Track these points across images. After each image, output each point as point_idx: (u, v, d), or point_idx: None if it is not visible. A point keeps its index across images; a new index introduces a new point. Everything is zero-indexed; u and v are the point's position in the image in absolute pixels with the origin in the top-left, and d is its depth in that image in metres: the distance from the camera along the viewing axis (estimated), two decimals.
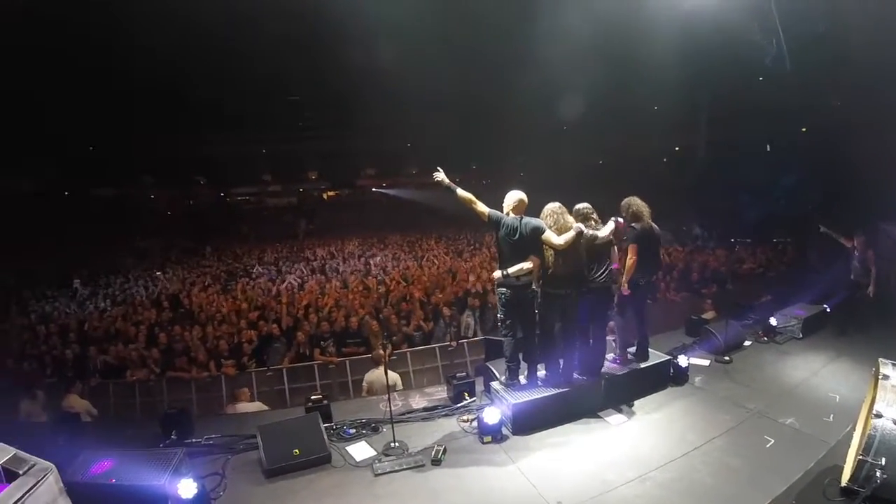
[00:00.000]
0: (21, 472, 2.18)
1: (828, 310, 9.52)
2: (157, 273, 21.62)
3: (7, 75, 19.47)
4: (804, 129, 25.90)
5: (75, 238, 27.94)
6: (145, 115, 28.32)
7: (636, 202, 7.00)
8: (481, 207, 6.22)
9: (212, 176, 39.38)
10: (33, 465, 2.22)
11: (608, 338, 7.25)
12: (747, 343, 8.70)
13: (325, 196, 43.47)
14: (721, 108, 26.30)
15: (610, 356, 7.18)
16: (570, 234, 6.07)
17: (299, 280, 17.97)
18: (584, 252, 6.33)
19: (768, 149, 28.38)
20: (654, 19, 16.55)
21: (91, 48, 19.81)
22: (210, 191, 40.72)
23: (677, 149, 33.30)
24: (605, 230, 6.46)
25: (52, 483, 2.22)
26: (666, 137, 32.05)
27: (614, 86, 24.26)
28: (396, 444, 5.97)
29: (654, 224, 7.07)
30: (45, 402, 8.55)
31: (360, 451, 5.99)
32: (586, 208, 6.73)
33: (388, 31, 18.07)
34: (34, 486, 2.12)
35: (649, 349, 7.37)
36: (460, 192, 6.23)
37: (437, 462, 5.63)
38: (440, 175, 6.32)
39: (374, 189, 42.84)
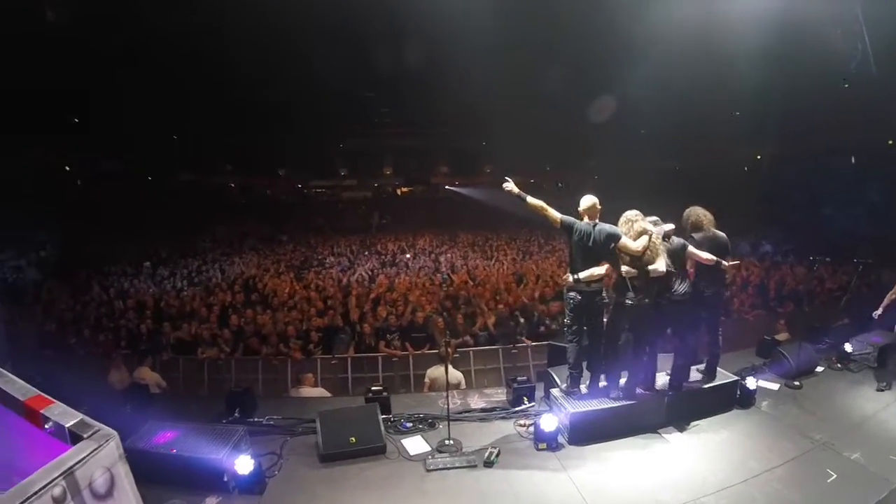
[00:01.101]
0: (85, 436, 2.27)
1: None
2: (233, 258, 22.26)
3: (98, 68, 20.47)
4: (890, 143, 24.54)
5: (156, 221, 29.14)
6: (229, 109, 29.25)
7: (695, 211, 6.73)
8: (553, 213, 6.13)
9: (290, 168, 40.37)
10: (97, 430, 2.32)
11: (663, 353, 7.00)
12: (819, 369, 8.18)
13: (398, 192, 43.89)
14: (804, 116, 25.06)
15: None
16: (644, 240, 5.92)
17: (370, 273, 18.19)
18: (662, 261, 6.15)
19: (852, 161, 27.07)
20: (736, 22, 16.09)
21: (178, 46, 20.56)
22: (288, 182, 41.76)
23: (758, 157, 32.06)
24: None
25: (112, 448, 2.31)
26: (746, 145, 30.84)
27: (695, 89, 23.64)
28: (451, 441, 5.94)
29: (718, 232, 6.79)
30: (128, 371, 8.93)
31: (415, 445, 5.99)
32: (654, 221, 6.53)
33: (466, 30, 18.05)
34: (96, 449, 2.22)
35: (718, 368, 7.10)
36: (530, 199, 6.14)
37: (489, 464, 5.56)
38: (510, 185, 6.22)
39: (447, 187, 42.95)
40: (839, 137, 25.63)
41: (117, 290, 15.84)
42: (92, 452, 2.21)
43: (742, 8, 15.22)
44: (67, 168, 30.16)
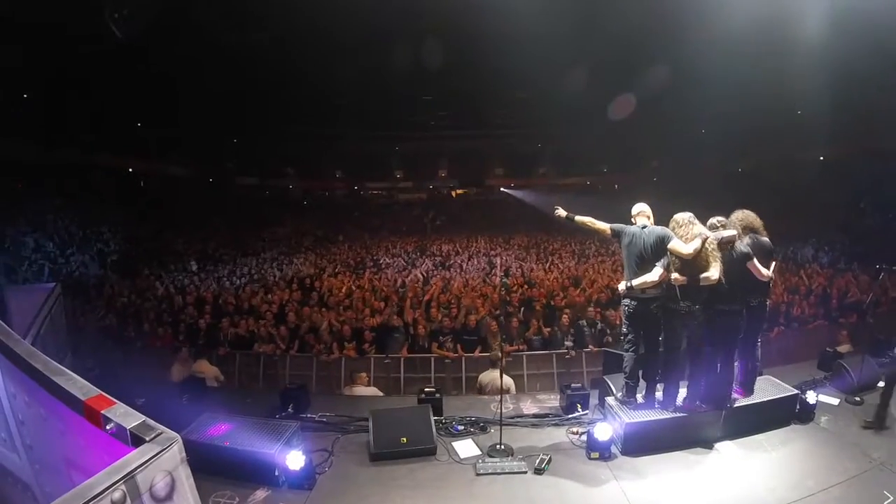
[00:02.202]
0: (147, 439, 2.29)
1: None
2: (291, 257, 22.65)
3: (157, 73, 21.19)
4: None
5: (218, 221, 29.97)
6: (285, 112, 29.89)
7: (746, 216, 6.50)
8: (601, 225, 6.19)
9: (347, 170, 41.03)
10: (160, 434, 2.33)
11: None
12: (881, 384, 7.90)
13: (453, 193, 44.04)
14: (869, 116, 24.12)
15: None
16: (697, 242, 5.70)
17: (424, 274, 18.25)
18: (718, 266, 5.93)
19: None
20: (799, 19, 15.63)
21: (238, 53, 21.05)
22: (345, 184, 42.45)
23: (822, 158, 30.94)
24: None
25: (175, 452, 2.32)
26: (810, 146, 29.78)
27: (756, 89, 23.05)
28: (502, 446, 5.88)
29: (763, 238, 6.47)
30: (191, 363, 9.18)
31: (466, 448, 5.95)
32: (719, 221, 6.33)
33: (522, 30, 17.95)
34: (159, 453, 2.23)
35: (775, 380, 6.83)
36: (578, 217, 6.25)
37: (539, 471, 5.47)
38: (560, 211, 6.38)
39: (502, 189, 42.86)
40: None
41: (178, 286, 16.29)
42: (154, 457, 2.22)
43: (806, 4, 14.79)
44: (131, 169, 31.26)
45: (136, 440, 2.33)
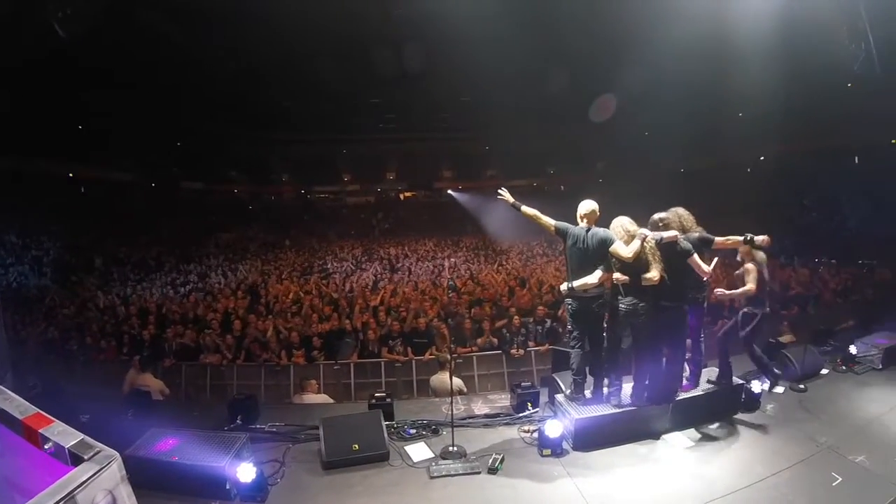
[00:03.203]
0: (86, 458, 2.24)
1: None
2: (237, 264, 22.31)
3: (100, 75, 20.60)
4: (894, 142, 24.49)
5: (161, 228, 29.27)
6: (232, 115, 29.46)
7: (679, 212, 6.57)
8: (547, 220, 6.24)
9: (294, 174, 40.56)
10: (99, 452, 2.28)
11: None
12: (824, 371, 8.18)
13: (401, 196, 44.03)
14: (808, 116, 25.10)
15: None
16: (636, 244, 5.86)
17: (373, 278, 18.17)
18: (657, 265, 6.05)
19: (856, 161, 27.04)
20: (739, 23, 16.10)
21: (181, 52, 20.65)
22: (292, 188, 41.98)
23: (762, 158, 32.00)
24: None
25: (115, 471, 2.27)
26: (750, 146, 30.76)
27: (698, 91, 23.66)
28: (455, 448, 5.90)
29: (705, 234, 6.64)
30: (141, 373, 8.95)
31: (419, 451, 5.96)
32: (661, 219, 6.42)
33: (469, 35, 18.06)
34: (98, 472, 2.18)
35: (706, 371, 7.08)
36: (525, 208, 6.28)
37: (493, 470, 5.52)
38: (505, 194, 6.39)
39: (450, 191, 43.03)
40: (843, 138, 25.63)
41: (121, 296, 15.85)
42: (93, 476, 2.18)
43: (745, 9, 15.23)
44: (71, 175, 30.17)
45: (76, 459, 2.28)
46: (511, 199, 6.32)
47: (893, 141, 24.45)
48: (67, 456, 2.29)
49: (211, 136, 32.29)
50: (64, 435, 2.35)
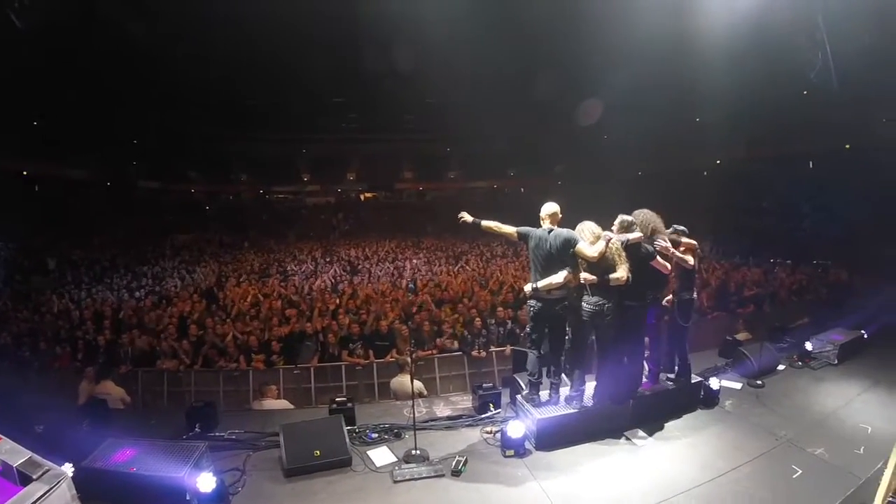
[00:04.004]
0: (35, 477, 2.17)
1: (865, 336, 9.25)
2: (193, 266, 21.93)
3: (57, 69, 20.03)
4: (847, 147, 25.27)
5: (116, 228, 28.61)
6: (191, 112, 28.93)
7: (649, 215, 6.68)
8: (508, 229, 6.31)
9: (253, 173, 40.08)
10: (48, 471, 2.21)
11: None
12: (781, 367, 8.45)
13: (362, 197, 43.84)
14: (764, 122, 25.82)
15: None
16: (601, 245, 5.94)
17: (333, 280, 18.03)
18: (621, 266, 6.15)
19: (811, 166, 27.81)
20: (697, 32, 16.40)
21: (141, 47, 20.23)
22: (250, 188, 41.48)
23: (718, 162, 32.75)
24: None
25: (64, 490, 2.21)
26: (707, 150, 31.51)
27: (656, 97, 24.05)
28: (418, 451, 5.91)
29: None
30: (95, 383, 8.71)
31: (381, 456, 5.95)
32: (627, 220, 6.51)
33: (432, 36, 18.09)
34: (48, 491, 2.12)
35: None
36: (484, 222, 6.34)
37: (457, 473, 5.55)
38: (465, 216, 6.39)
39: (411, 192, 43.06)
40: (798, 143, 26.37)
41: (75, 300, 15.45)
42: (43, 496, 2.12)
43: (704, 17, 15.51)
44: (25, 173, 29.29)
45: (24, 479, 2.22)
46: (471, 219, 6.34)
47: (847, 146, 25.16)
48: (16, 475, 2.23)
49: (169, 133, 31.70)
50: (11, 453, 2.28)
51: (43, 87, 21.58)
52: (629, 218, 6.44)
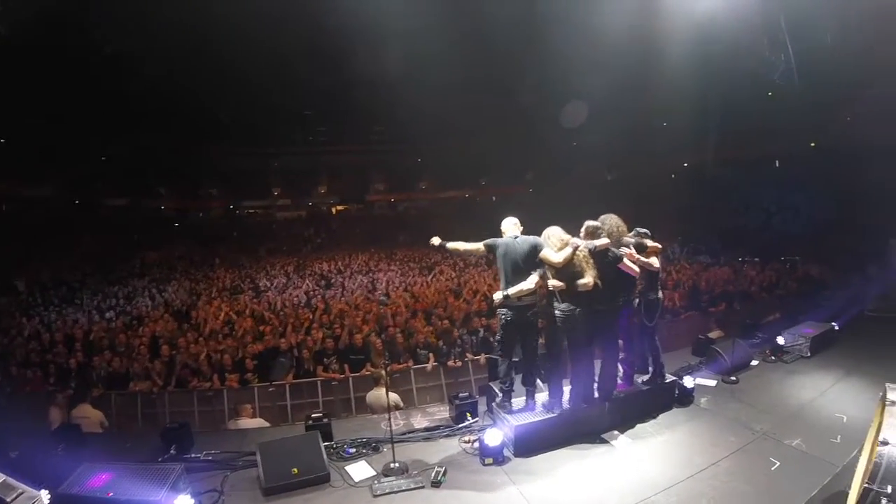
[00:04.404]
0: (9, 500, 2.16)
1: (836, 328, 9.47)
2: (164, 284, 21.65)
3: (21, 84, 19.69)
4: (813, 145, 25.81)
5: (84, 246, 28.12)
6: (158, 127, 28.60)
7: (614, 220, 6.81)
8: (473, 246, 6.46)
9: (223, 188, 39.69)
10: (21, 493, 2.20)
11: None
12: (754, 363, 8.66)
13: (333, 210, 43.64)
14: (729, 124, 26.27)
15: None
16: (567, 251, 6.06)
17: (305, 295, 17.93)
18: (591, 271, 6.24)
19: (776, 165, 28.34)
20: (662, 35, 16.64)
21: (106, 61, 19.98)
22: (220, 203, 41.03)
23: (685, 165, 33.24)
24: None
25: None
26: (674, 153, 32.00)
27: (623, 102, 24.32)
28: (396, 464, 5.91)
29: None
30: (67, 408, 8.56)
31: (360, 470, 5.95)
32: (594, 226, 6.60)
33: (402, 47, 18.16)
34: None
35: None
36: (450, 244, 6.49)
37: (436, 483, 5.57)
38: (435, 240, 6.56)
39: (383, 203, 43.02)
40: (764, 144, 26.90)
41: (44, 322, 15.19)
42: None
43: (668, 22, 15.73)
44: None
45: None
46: (438, 242, 6.48)
47: (813, 145, 25.69)
48: None
49: (136, 148, 31.25)
50: None
51: (3, 103, 21.17)
52: (595, 223, 6.56)
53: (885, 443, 4.11)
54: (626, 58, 18.54)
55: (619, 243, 6.57)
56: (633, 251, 6.59)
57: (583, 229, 6.51)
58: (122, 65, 20.65)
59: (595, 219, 6.66)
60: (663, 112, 25.96)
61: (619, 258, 6.42)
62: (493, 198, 41.17)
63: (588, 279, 6.05)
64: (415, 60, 19.62)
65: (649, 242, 6.89)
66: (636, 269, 6.51)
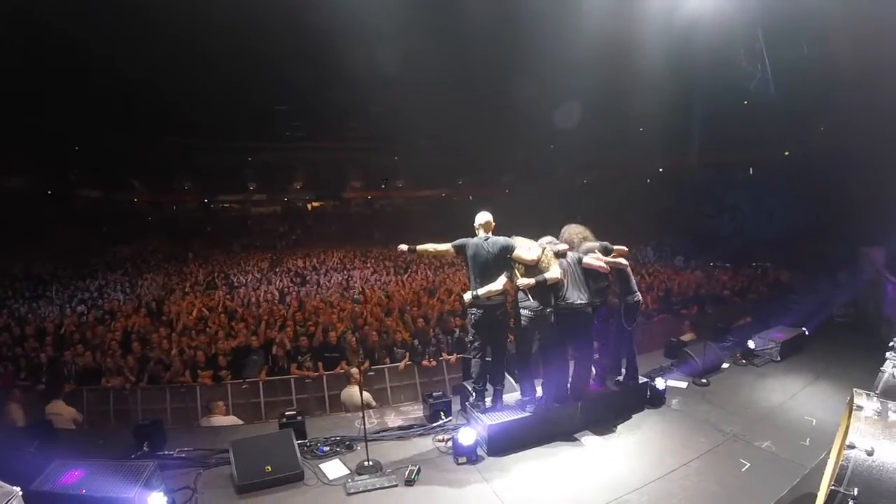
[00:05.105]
0: None
1: (806, 333, 9.67)
2: (136, 278, 21.43)
3: None
4: (787, 153, 26.25)
5: (56, 239, 27.69)
6: (133, 119, 28.25)
7: (574, 229, 7.06)
8: (443, 247, 6.44)
9: (197, 182, 39.27)
10: None
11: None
12: (725, 365, 8.84)
13: (309, 206, 43.44)
14: (705, 130, 26.64)
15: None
16: (538, 250, 6.25)
17: (279, 291, 17.86)
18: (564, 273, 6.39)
19: (750, 172, 28.76)
20: (640, 41, 16.82)
21: (82, 53, 19.75)
22: (194, 197, 40.59)
23: (661, 170, 33.61)
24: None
25: None
26: (650, 158, 32.34)
27: (600, 107, 24.52)
28: (370, 462, 5.92)
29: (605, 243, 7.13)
30: (26, 404, 8.43)
31: (334, 469, 5.95)
32: (550, 242, 6.79)
33: (379, 45, 18.15)
34: None
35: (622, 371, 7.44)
36: (419, 247, 6.47)
37: (410, 482, 5.59)
38: (402, 246, 6.64)
39: (359, 200, 42.88)
40: (739, 151, 27.33)
41: (15, 315, 14.96)
42: None
43: (647, 28, 15.90)
44: None
45: None
46: (406, 247, 6.53)
47: (787, 153, 26.12)
48: None
49: (111, 141, 30.85)
50: None
51: None
52: (553, 238, 6.85)
53: (851, 446, 4.23)
54: (604, 63, 18.74)
55: (587, 249, 6.73)
56: (598, 255, 6.70)
57: (546, 245, 6.65)
58: (97, 57, 20.41)
59: (567, 220, 6.99)
60: (640, 117, 26.21)
61: (579, 259, 6.58)
62: (470, 197, 41.19)
63: (555, 272, 6.22)
64: (393, 59, 19.66)
65: (617, 247, 7.00)
66: (602, 264, 6.59)
